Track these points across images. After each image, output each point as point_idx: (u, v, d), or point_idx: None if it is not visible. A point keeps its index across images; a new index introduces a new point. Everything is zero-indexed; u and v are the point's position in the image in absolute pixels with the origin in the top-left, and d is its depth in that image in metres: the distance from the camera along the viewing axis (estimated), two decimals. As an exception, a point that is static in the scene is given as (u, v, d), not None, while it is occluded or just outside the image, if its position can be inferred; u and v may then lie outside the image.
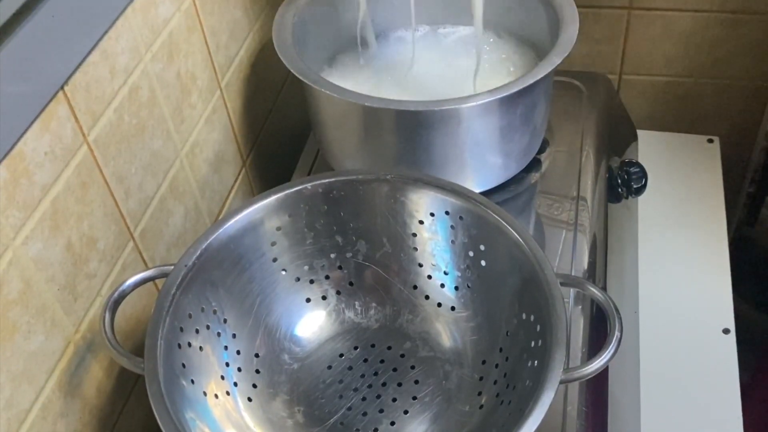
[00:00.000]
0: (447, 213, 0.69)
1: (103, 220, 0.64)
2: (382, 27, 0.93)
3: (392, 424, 0.66)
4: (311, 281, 0.73)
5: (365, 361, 0.71)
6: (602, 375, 0.59)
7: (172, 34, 0.72)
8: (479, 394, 0.66)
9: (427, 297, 0.72)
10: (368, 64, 0.90)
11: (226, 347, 0.66)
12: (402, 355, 0.71)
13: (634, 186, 0.94)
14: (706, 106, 1.24)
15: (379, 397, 0.68)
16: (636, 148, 1.07)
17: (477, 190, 0.77)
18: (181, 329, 0.62)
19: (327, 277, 0.73)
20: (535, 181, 0.86)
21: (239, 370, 0.67)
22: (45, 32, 0.54)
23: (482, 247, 0.68)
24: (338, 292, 0.74)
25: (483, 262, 0.68)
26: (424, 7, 0.92)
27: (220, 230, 0.66)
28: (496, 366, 0.66)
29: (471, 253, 0.69)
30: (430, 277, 0.72)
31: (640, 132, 1.09)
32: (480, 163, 0.80)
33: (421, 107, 0.73)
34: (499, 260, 0.67)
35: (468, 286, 0.70)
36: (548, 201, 0.84)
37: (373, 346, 0.72)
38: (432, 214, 0.69)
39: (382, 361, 0.71)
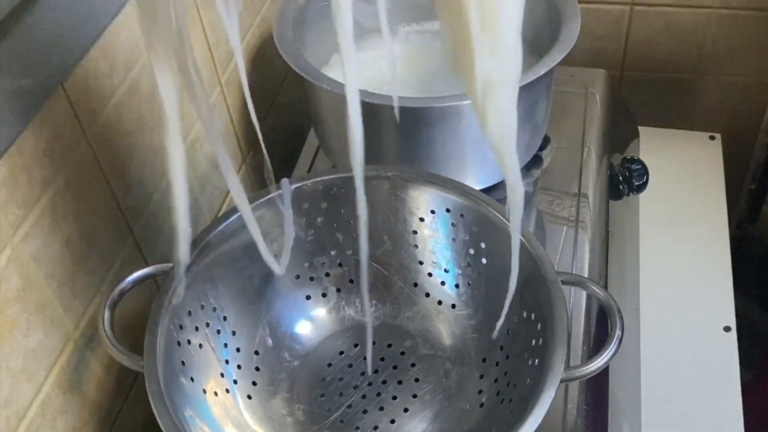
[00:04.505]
0: (448, 210, 0.68)
1: (102, 216, 0.64)
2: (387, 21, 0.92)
3: (392, 422, 0.66)
4: (311, 278, 0.73)
5: (365, 358, 0.70)
6: (603, 373, 0.58)
7: (172, 30, 0.72)
8: (480, 392, 0.66)
9: (427, 295, 0.72)
10: (369, 60, 0.89)
11: (225, 345, 0.66)
12: (402, 353, 0.71)
13: (636, 183, 0.93)
14: (707, 102, 1.23)
15: (379, 394, 0.68)
16: (637, 145, 1.07)
17: (478, 187, 0.77)
18: (181, 327, 0.62)
19: (327, 275, 0.73)
20: (537, 177, 0.86)
21: (239, 367, 0.67)
22: (44, 28, 0.54)
23: (483, 245, 0.68)
24: (338, 290, 0.73)
25: (484, 260, 0.68)
26: (426, 3, 0.92)
27: (220, 227, 0.66)
28: (497, 364, 0.66)
29: (472, 251, 0.68)
30: (430, 274, 0.72)
31: (641, 129, 1.09)
32: (481, 159, 0.80)
33: (422, 104, 0.73)
34: (499, 258, 0.66)
35: (468, 284, 0.70)
36: (549, 198, 0.84)
37: (373, 343, 0.71)
38: (433, 212, 0.69)
39: (382, 359, 0.70)
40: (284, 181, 0.67)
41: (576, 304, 0.74)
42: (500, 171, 0.70)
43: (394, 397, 0.68)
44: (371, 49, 0.90)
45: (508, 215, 0.52)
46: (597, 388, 0.71)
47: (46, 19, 0.54)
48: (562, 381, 0.55)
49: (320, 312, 0.73)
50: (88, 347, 0.63)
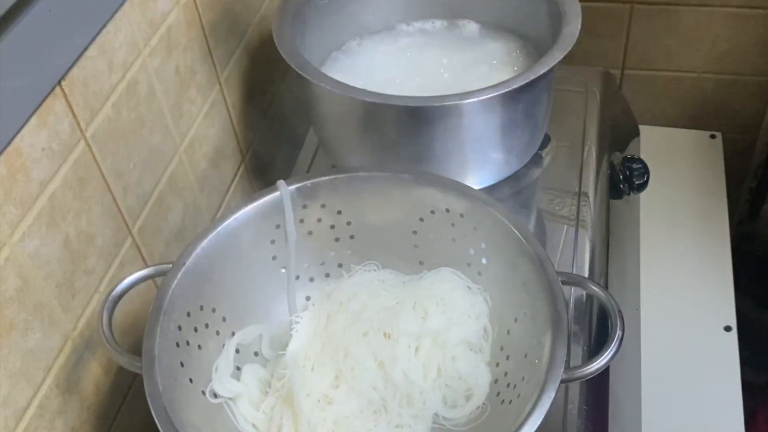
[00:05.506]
0: (447, 210, 0.68)
1: (101, 216, 0.64)
2: (386, 20, 0.92)
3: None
4: (311, 279, 0.72)
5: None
6: (603, 373, 0.58)
7: (170, 29, 0.72)
8: (480, 392, 0.66)
9: (427, 294, 0.72)
10: (369, 59, 0.89)
11: (224, 346, 0.66)
12: (402, 353, 0.70)
13: (636, 182, 0.93)
14: (708, 101, 1.23)
15: (379, 395, 0.67)
16: (638, 144, 1.07)
17: (478, 186, 0.77)
18: (180, 327, 0.61)
19: (327, 275, 0.73)
20: (537, 177, 0.86)
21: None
22: (42, 26, 0.54)
23: (483, 245, 0.67)
24: (338, 290, 0.73)
25: (484, 260, 0.68)
26: (428, 2, 0.92)
27: (219, 228, 0.65)
28: (497, 365, 0.65)
29: (471, 251, 0.68)
30: (430, 274, 0.71)
31: (642, 127, 1.09)
32: (481, 159, 0.79)
33: (422, 103, 0.72)
34: (500, 258, 0.66)
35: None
36: (549, 197, 0.84)
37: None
38: (432, 212, 0.69)
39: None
40: (280, 182, 0.67)
41: (576, 304, 0.74)
42: (500, 170, 0.71)
43: (394, 398, 0.67)
44: (376, 46, 0.90)
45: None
46: (597, 388, 0.71)
47: (44, 18, 0.54)
48: (562, 381, 0.55)
49: (320, 312, 0.73)
50: (87, 348, 0.63)
